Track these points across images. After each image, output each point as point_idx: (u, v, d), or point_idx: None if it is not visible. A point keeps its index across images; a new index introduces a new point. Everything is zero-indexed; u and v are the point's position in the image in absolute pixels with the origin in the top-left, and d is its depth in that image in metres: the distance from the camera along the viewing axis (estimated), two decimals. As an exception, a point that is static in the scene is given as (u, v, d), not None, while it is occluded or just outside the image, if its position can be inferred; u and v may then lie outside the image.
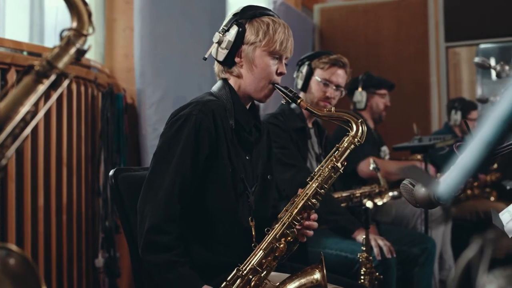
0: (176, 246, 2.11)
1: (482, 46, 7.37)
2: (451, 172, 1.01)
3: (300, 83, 3.57)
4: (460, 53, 7.66)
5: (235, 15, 2.33)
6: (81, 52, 1.23)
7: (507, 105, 0.93)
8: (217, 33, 2.32)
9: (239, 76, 2.34)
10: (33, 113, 1.10)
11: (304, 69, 3.55)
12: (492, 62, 3.39)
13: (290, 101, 2.31)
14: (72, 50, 1.22)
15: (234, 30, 2.28)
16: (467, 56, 7.76)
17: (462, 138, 5.53)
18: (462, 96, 6.71)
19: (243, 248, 2.22)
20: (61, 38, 1.22)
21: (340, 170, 2.24)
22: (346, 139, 2.28)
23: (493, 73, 7.48)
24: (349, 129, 2.29)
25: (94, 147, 3.83)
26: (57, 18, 3.87)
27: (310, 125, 3.60)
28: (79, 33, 1.24)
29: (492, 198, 5.48)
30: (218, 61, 2.36)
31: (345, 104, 3.66)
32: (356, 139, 2.26)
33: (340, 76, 3.52)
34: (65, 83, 1.20)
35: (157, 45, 4.20)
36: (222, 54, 2.31)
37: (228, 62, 2.33)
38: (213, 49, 2.35)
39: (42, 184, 3.29)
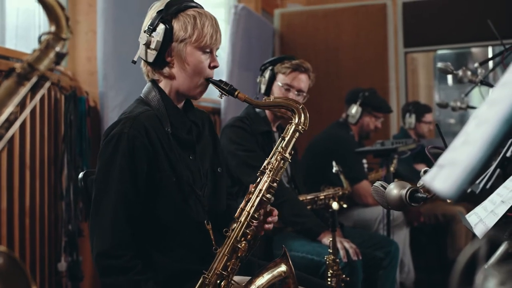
0: (134, 265, 2.06)
1: (439, 52, 7.51)
2: (448, 170, 1.03)
3: (263, 88, 3.59)
4: (418, 59, 7.78)
5: (159, 12, 2.22)
6: (60, 56, 1.24)
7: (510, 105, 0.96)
8: (143, 34, 2.23)
9: (171, 77, 2.26)
10: (16, 114, 1.10)
11: (267, 74, 3.57)
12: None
13: (227, 94, 2.23)
14: (52, 54, 1.23)
15: (161, 28, 2.19)
16: (425, 61, 7.90)
17: (420, 142, 5.62)
18: (419, 100, 6.81)
19: (204, 252, 2.20)
20: (40, 41, 1.23)
21: (289, 160, 2.21)
22: (290, 128, 2.24)
23: (450, 78, 7.64)
24: (292, 117, 2.26)
25: (57, 150, 3.79)
26: (18, 19, 3.83)
27: (274, 129, 3.62)
28: (58, 37, 1.25)
29: (449, 201, 5.54)
30: (148, 63, 2.28)
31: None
32: (300, 126, 2.23)
33: (302, 81, 3.54)
34: (46, 85, 1.21)
35: (120, 48, 4.17)
36: (152, 55, 2.22)
37: (158, 63, 2.25)
38: (141, 51, 2.25)
39: (5, 187, 3.25)
